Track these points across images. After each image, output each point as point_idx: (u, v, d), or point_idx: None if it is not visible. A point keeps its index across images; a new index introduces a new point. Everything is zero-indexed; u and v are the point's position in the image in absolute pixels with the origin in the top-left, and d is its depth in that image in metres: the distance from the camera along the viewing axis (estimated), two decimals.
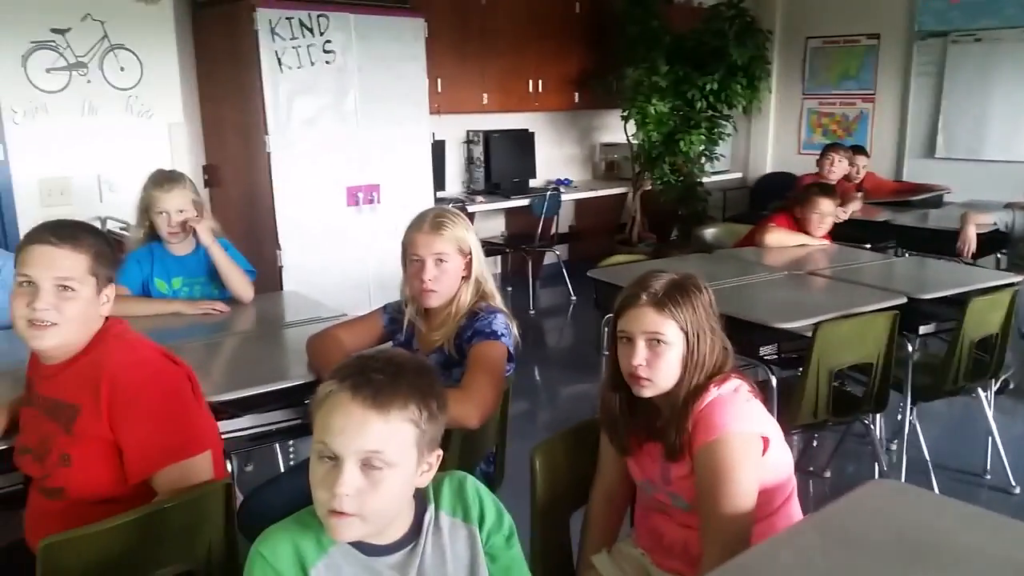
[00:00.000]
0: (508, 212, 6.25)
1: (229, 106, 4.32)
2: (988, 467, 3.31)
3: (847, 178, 5.41)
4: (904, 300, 2.93)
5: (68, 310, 1.56)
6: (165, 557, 1.54)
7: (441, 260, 2.10)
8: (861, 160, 5.63)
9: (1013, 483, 3.19)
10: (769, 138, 7.58)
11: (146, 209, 2.83)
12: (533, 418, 4.09)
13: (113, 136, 4.25)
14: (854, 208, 5.00)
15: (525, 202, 5.92)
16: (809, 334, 2.67)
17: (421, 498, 1.30)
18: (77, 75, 4.11)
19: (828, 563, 1.29)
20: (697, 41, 6.01)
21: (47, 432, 1.60)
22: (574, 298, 6.25)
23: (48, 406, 1.61)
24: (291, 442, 2.98)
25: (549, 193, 5.99)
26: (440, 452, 1.25)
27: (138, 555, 1.46)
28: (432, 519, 1.29)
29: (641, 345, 1.58)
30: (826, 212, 3.91)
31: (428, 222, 2.14)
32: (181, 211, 2.81)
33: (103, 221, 4.17)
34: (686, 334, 1.57)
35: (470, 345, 2.06)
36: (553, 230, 6.24)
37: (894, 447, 3.20)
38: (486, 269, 2.21)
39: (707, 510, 1.51)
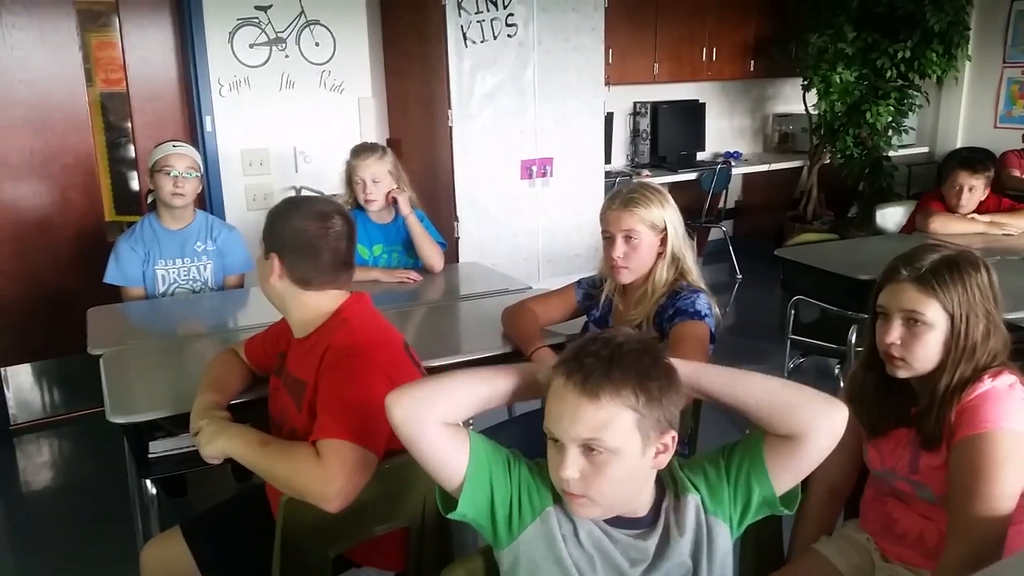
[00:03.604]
0: (673, 186, 6.11)
1: (414, 81, 4.45)
2: None
3: None
4: None
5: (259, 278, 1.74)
6: (385, 514, 1.63)
7: (630, 237, 2.07)
8: None
9: None
10: (961, 110, 6.99)
11: (348, 180, 2.99)
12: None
13: (308, 109, 4.48)
14: None
15: (692, 176, 5.78)
16: None
17: (673, 488, 1.28)
18: (276, 50, 4.35)
19: None
20: (888, 6, 5.59)
21: (285, 406, 1.71)
22: (739, 276, 6.06)
23: (289, 382, 1.72)
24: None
25: (719, 167, 5.82)
26: (675, 434, 1.19)
27: (361, 512, 1.55)
28: (672, 510, 1.27)
29: (897, 323, 1.50)
30: (967, 184, 3.62)
31: (620, 198, 2.12)
32: (376, 181, 2.94)
33: (298, 191, 4.42)
34: (952, 316, 1.47)
35: (672, 324, 2.03)
36: (720, 205, 6.06)
37: None
38: (686, 245, 2.16)
39: (960, 506, 1.42)
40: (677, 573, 1.25)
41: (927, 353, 1.49)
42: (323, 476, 1.47)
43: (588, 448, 1.14)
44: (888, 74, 5.64)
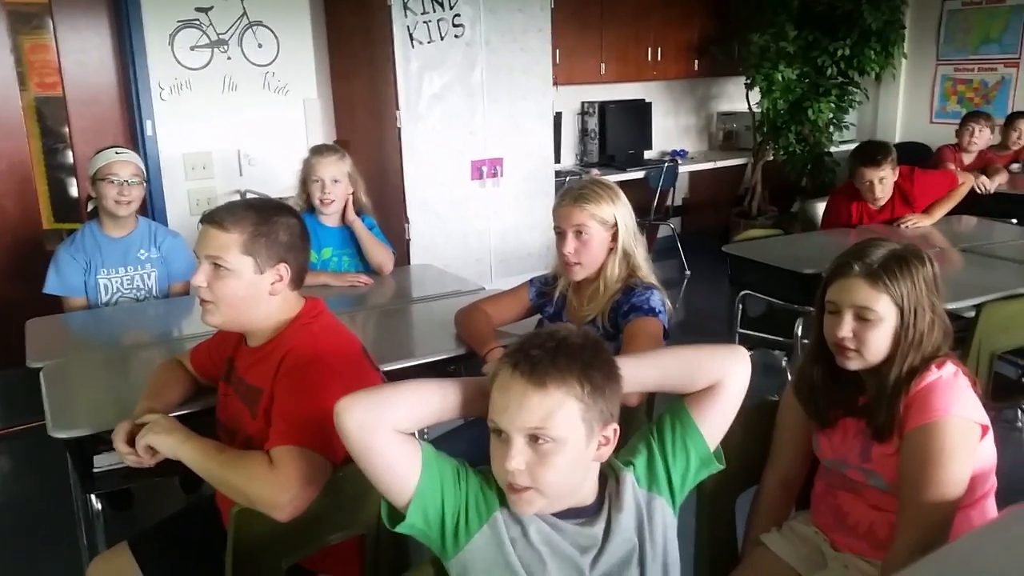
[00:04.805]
0: (621, 184, 6.13)
1: (360, 82, 4.41)
2: None
3: (1003, 147, 5.10)
4: None
5: (220, 289, 1.59)
6: (340, 522, 1.61)
7: (581, 232, 2.08)
8: (1023, 126, 5.24)
9: None
10: (899, 106, 7.19)
11: (304, 179, 2.94)
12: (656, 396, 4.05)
13: (251, 112, 4.41)
14: (1000, 180, 4.70)
15: (640, 174, 5.84)
16: (968, 315, 2.56)
17: (611, 471, 1.31)
18: (218, 52, 4.27)
19: None
20: (828, 5, 5.73)
21: (237, 413, 1.67)
22: (688, 272, 6.14)
23: (242, 389, 1.67)
24: None
25: (665, 165, 5.89)
26: (616, 427, 1.23)
27: (316, 520, 1.52)
28: (614, 494, 1.29)
29: (848, 318, 1.53)
30: (875, 178, 3.61)
31: (571, 194, 2.13)
32: (336, 180, 2.91)
33: (243, 194, 4.35)
34: (901, 309, 1.51)
35: (627, 320, 2.04)
36: (668, 202, 6.13)
37: None
38: (637, 241, 2.17)
39: (910, 493, 1.46)
40: (624, 550, 1.27)
41: (878, 345, 1.53)
42: (276, 484, 1.44)
43: (534, 438, 1.16)
44: (828, 72, 5.78)
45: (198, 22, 4.19)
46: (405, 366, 2.22)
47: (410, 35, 4.09)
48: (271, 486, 1.44)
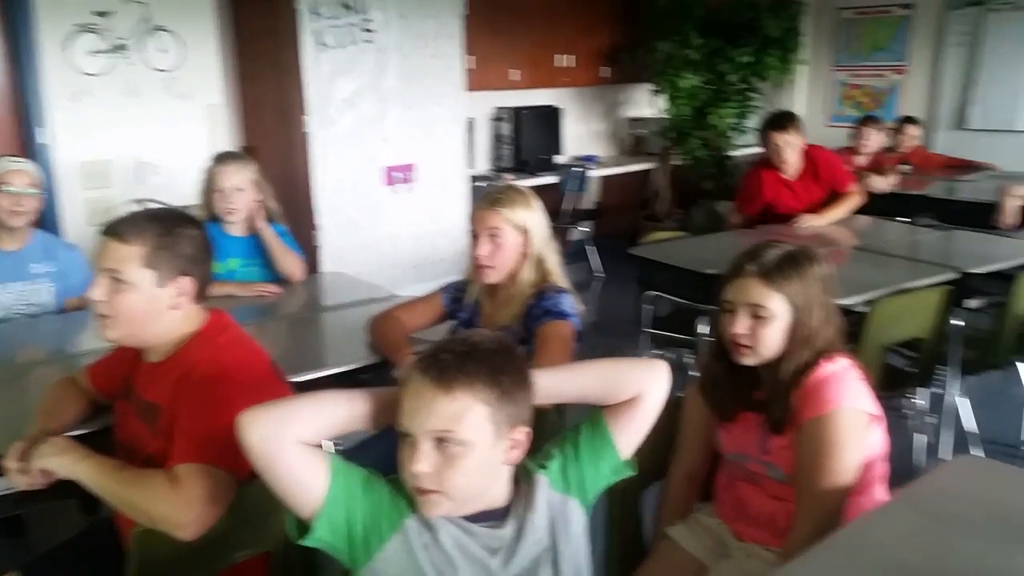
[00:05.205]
0: (535, 189, 6.20)
1: (268, 87, 4.33)
2: None
3: (890, 149, 5.37)
4: (958, 275, 2.92)
5: (119, 303, 1.54)
6: (246, 540, 1.57)
7: (494, 236, 2.11)
8: (911, 130, 5.54)
9: None
10: (798, 110, 7.49)
11: (207, 189, 2.87)
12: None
13: (153, 118, 4.27)
14: (892, 181, 4.95)
15: (552, 179, 5.91)
16: (860, 310, 2.69)
17: (525, 473, 1.32)
18: (119, 57, 4.13)
19: (922, 541, 1.31)
20: (730, 13, 5.94)
21: (136, 432, 1.62)
22: (599, 274, 6.24)
23: (141, 406, 1.62)
24: None
25: (577, 170, 5.97)
26: (528, 430, 1.24)
27: (222, 538, 1.49)
28: (526, 496, 1.31)
29: (743, 315, 1.60)
30: (780, 141, 3.82)
31: (488, 198, 2.16)
32: (239, 189, 2.84)
33: (142, 204, 4.20)
34: (794, 307, 1.58)
35: (538, 324, 2.07)
36: (580, 206, 6.23)
37: (932, 420, 3.21)
38: (549, 247, 2.21)
39: (806, 483, 1.53)
40: (536, 551, 1.29)
41: (771, 342, 1.60)
42: (179, 502, 1.41)
43: (440, 441, 1.17)
44: (730, 78, 5.98)
45: (97, 27, 4.03)
46: (317, 376, 2.18)
47: (319, 39, 4.04)
48: (174, 505, 1.40)
